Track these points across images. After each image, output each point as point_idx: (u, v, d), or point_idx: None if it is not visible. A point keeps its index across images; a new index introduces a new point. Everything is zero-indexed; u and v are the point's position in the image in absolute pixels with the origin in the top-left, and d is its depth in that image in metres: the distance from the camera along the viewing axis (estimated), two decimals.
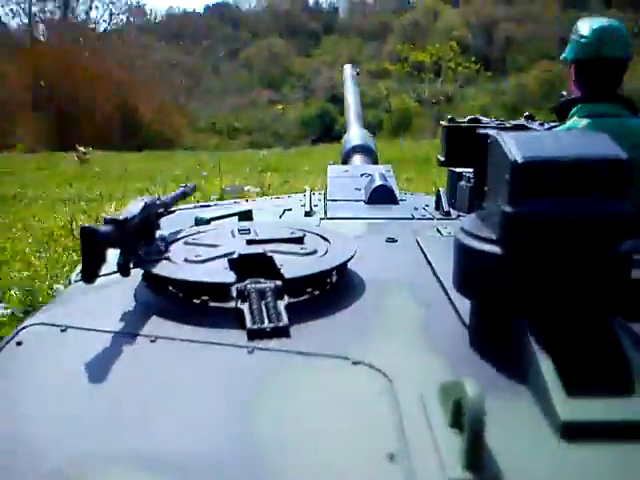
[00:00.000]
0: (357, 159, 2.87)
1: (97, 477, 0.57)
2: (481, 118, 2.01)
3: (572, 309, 0.71)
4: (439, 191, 1.85)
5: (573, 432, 0.60)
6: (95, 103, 30.25)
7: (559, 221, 0.69)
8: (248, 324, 0.81)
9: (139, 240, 0.99)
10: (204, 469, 0.57)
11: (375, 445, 0.60)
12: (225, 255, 0.99)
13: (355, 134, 3.15)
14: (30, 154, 20.59)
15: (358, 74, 3.84)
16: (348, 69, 3.88)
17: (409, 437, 0.60)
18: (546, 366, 0.65)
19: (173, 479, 0.56)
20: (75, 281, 1.12)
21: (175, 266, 0.96)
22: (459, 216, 1.68)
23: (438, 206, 1.80)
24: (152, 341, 0.80)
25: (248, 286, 0.88)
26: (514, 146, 0.71)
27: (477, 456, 0.55)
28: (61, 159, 18.10)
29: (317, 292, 0.96)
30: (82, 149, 17.18)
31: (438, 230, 1.39)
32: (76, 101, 30.47)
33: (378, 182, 1.88)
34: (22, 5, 34.48)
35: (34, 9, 34.34)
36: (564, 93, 2.56)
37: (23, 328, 0.88)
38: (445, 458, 0.57)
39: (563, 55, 2.48)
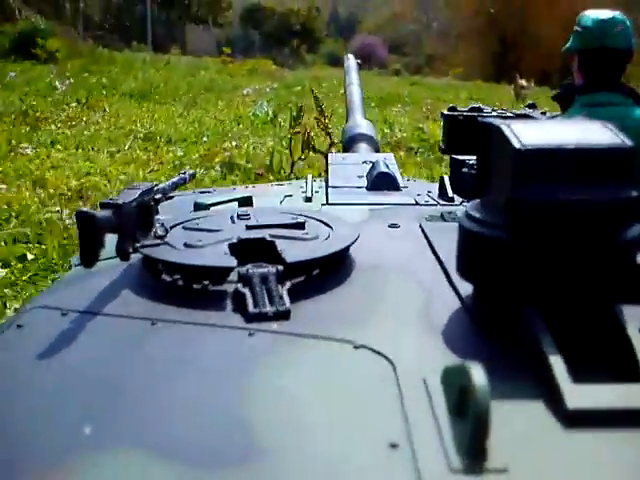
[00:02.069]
0: (359, 147, 2.63)
1: (97, 461, 0.54)
2: (482, 107, 1.84)
3: (577, 295, 0.68)
4: (442, 178, 1.70)
5: (580, 419, 0.56)
6: (540, 33, 25.69)
7: (563, 206, 0.65)
8: (250, 307, 0.78)
9: (138, 225, 0.94)
10: (203, 452, 0.55)
11: (377, 432, 0.56)
12: (225, 240, 0.93)
13: (357, 123, 2.89)
14: (462, 82, 20.16)
15: (360, 64, 3.63)
16: (351, 59, 3.64)
17: (412, 424, 0.56)
18: (551, 352, 0.61)
19: (173, 462, 0.53)
20: (75, 265, 1.06)
21: (175, 251, 0.91)
22: (463, 202, 1.56)
23: (441, 192, 1.68)
24: (152, 324, 0.77)
25: (250, 270, 0.83)
26: (517, 133, 0.68)
27: (481, 444, 0.51)
28: (494, 90, 17.37)
29: (319, 275, 0.91)
30: (523, 82, 15.26)
31: (442, 216, 1.30)
32: (522, 29, 26.65)
33: (380, 169, 1.75)
34: None
35: None
36: (567, 82, 2.49)
37: (24, 311, 0.86)
38: (448, 446, 0.53)
39: (566, 46, 2.41)
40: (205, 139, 8.28)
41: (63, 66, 13.98)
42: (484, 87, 19.17)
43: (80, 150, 7.24)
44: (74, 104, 9.96)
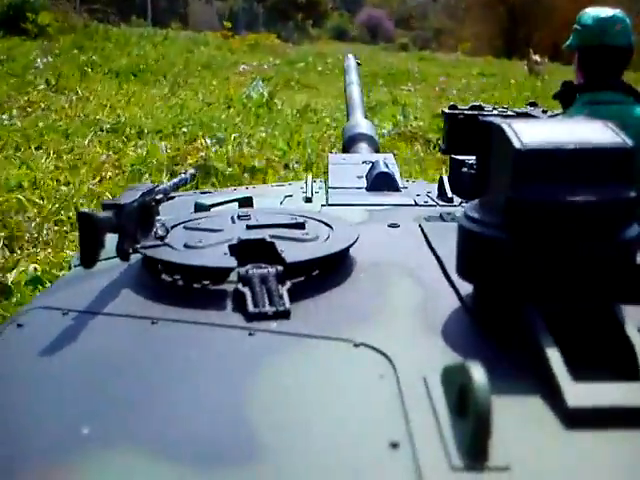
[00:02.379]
0: (359, 147, 2.57)
1: (98, 460, 0.53)
2: (483, 105, 1.79)
3: (576, 295, 0.66)
4: (442, 178, 1.67)
5: (580, 418, 0.55)
6: (552, 5, 24.78)
7: (563, 206, 0.64)
8: (250, 307, 0.77)
9: (138, 226, 0.92)
10: (204, 450, 0.54)
11: (378, 431, 0.55)
12: (226, 240, 0.91)
13: (357, 122, 2.81)
14: (472, 57, 19.32)
15: (359, 64, 3.58)
16: (351, 59, 3.60)
17: (412, 423, 0.55)
18: (551, 351, 0.60)
19: (173, 461, 0.52)
20: (75, 266, 1.05)
21: (175, 251, 0.90)
22: (462, 203, 1.53)
23: (441, 193, 1.64)
24: (153, 323, 0.76)
25: (250, 270, 0.82)
26: (517, 133, 0.66)
27: (482, 443, 0.50)
28: (507, 66, 16.52)
29: (319, 275, 0.89)
30: (536, 57, 14.79)
31: (441, 216, 1.27)
32: (532, 2, 25.74)
33: (379, 169, 1.72)
34: None
35: None
36: (567, 80, 2.42)
37: (24, 311, 0.84)
38: (449, 445, 0.52)
39: (567, 43, 2.41)
40: (185, 130, 6.87)
41: (55, 42, 13.14)
42: (495, 63, 18.34)
43: (21, 150, 5.62)
44: (42, 86, 8.58)
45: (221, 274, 0.85)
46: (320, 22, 35.98)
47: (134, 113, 7.59)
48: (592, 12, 2.33)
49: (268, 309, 0.75)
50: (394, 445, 0.53)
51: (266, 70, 12.91)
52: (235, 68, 12.75)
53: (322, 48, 20.04)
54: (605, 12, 2.31)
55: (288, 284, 0.80)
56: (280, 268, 0.82)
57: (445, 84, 11.87)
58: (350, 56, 3.66)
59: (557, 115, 2.10)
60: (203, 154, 5.67)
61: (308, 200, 1.56)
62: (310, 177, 1.78)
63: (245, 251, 0.88)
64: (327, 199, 1.55)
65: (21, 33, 13.30)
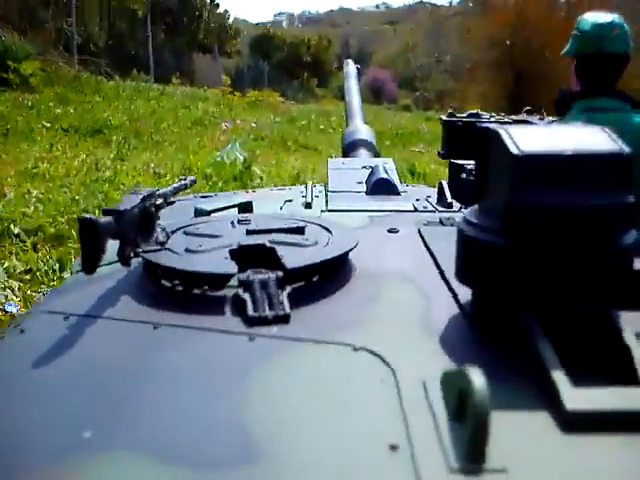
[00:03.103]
0: (359, 153, 2.42)
1: (98, 464, 0.52)
2: (481, 113, 1.71)
3: (574, 300, 0.64)
4: (441, 183, 1.56)
5: (578, 422, 0.54)
6: (557, 68, 23.51)
7: (561, 212, 0.62)
8: (250, 312, 0.73)
9: (139, 231, 0.88)
10: (203, 456, 0.52)
11: (376, 435, 0.54)
12: (226, 246, 0.88)
13: (357, 128, 2.66)
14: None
15: (359, 69, 3.40)
16: (351, 65, 3.40)
17: (411, 427, 0.54)
18: (549, 356, 0.59)
19: (173, 466, 0.51)
20: (76, 272, 0.98)
21: (176, 256, 0.86)
22: (461, 208, 1.42)
23: (440, 198, 1.53)
24: (154, 328, 0.73)
25: (250, 276, 0.79)
26: (515, 139, 0.64)
27: (481, 448, 0.49)
28: None
29: (319, 280, 0.86)
30: (549, 118, 13.85)
31: (440, 221, 1.21)
32: (538, 63, 24.63)
33: (379, 175, 1.64)
34: None
35: None
36: (564, 88, 2.42)
37: (26, 316, 0.84)
38: (448, 449, 0.51)
39: (564, 50, 2.35)
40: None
41: (36, 94, 11.78)
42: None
43: None
44: None
45: (221, 279, 0.82)
46: (325, 81, 35.14)
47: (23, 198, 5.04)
48: (590, 18, 2.27)
49: (268, 313, 0.73)
50: (393, 448, 0.52)
51: (262, 128, 11.41)
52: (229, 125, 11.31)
53: (326, 106, 18.71)
54: (603, 17, 2.25)
55: (288, 289, 0.78)
56: (280, 273, 0.79)
57: None
58: (349, 61, 3.49)
59: (554, 122, 1.98)
60: None
61: (308, 205, 1.48)
62: (310, 182, 1.72)
63: (245, 256, 0.86)
64: (327, 204, 1.49)
65: (2, 83, 11.92)
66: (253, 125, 11.32)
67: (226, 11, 34.83)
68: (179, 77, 19.73)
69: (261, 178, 6.67)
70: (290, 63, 32.89)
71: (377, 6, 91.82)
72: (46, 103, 10.71)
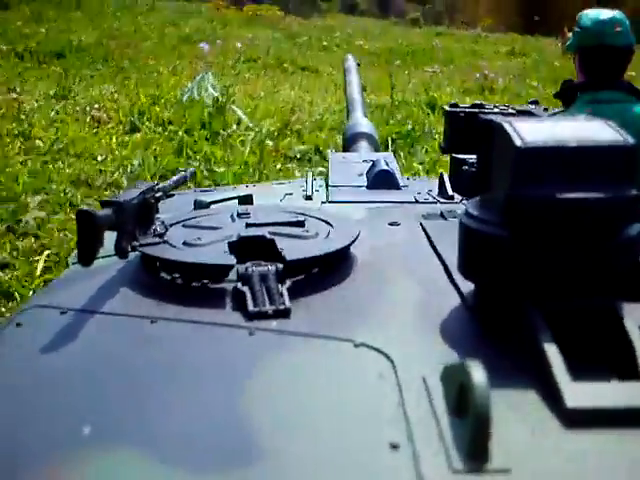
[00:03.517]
0: (360, 147, 2.31)
1: (96, 460, 0.51)
2: (484, 104, 1.60)
3: (577, 293, 0.63)
4: (442, 175, 1.52)
5: (579, 418, 0.53)
6: None
7: (563, 204, 0.61)
8: (249, 306, 0.72)
9: (138, 223, 0.86)
10: (203, 450, 0.52)
11: (377, 432, 0.53)
12: (225, 238, 0.86)
13: (358, 122, 2.54)
14: (493, 34, 16.54)
15: (359, 65, 3.28)
16: (351, 59, 3.28)
17: (412, 424, 0.53)
18: (551, 350, 0.58)
19: (172, 461, 0.50)
20: (73, 264, 0.96)
21: (174, 249, 0.84)
22: (462, 201, 1.36)
23: (441, 191, 1.49)
24: (152, 322, 0.71)
25: (249, 269, 0.77)
26: (518, 131, 0.63)
27: (482, 444, 0.49)
28: (535, 44, 14.38)
29: (319, 273, 0.84)
30: (570, 34, 12.31)
31: (442, 214, 1.17)
32: None
33: (380, 167, 1.58)
34: None
35: None
36: (568, 79, 2.37)
37: (22, 310, 0.81)
38: (449, 446, 0.50)
39: (567, 44, 2.36)
40: None
41: (10, 12, 10.42)
42: (520, 40, 15.40)
43: None
44: None
45: (220, 272, 0.80)
46: None
47: None
48: (591, 14, 2.25)
49: (268, 308, 0.71)
50: (394, 446, 0.51)
51: (257, 47, 10.07)
52: (225, 43, 9.96)
53: (330, 22, 17.09)
54: (604, 14, 2.23)
55: (288, 282, 0.76)
56: (280, 266, 0.77)
57: (486, 68, 8.97)
58: (350, 56, 3.41)
59: (558, 113, 1.91)
60: None
61: (308, 198, 1.44)
62: (310, 174, 1.66)
63: (245, 249, 0.83)
64: (327, 197, 1.45)
65: None
66: (239, 45, 9.75)
67: None
68: None
69: (239, 122, 5.08)
70: None
71: None
72: (15, 22, 9.39)
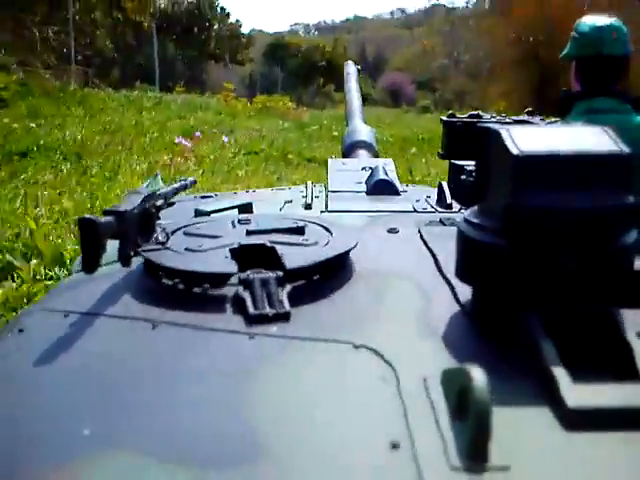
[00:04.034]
0: (359, 154, 2.25)
1: (99, 463, 0.50)
2: (482, 114, 1.63)
3: (575, 300, 0.63)
4: (441, 184, 1.50)
5: (580, 419, 0.52)
6: None
7: (561, 213, 0.61)
8: (250, 310, 0.71)
9: (139, 231, 0.85)
10: (205, 455, 0.51)
11: (377, 433, 0.52)
12: (226, 245, 0.85)
13: (356, 128, 2.48)
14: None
15: (359, 70, 3.17)
16: (351, 65, 3.16)
17: (412, 425, 0.53)
18: (550, 353, 0.58)
19: (174, 465, 0.50)
20: (76, 271, 0.95)
21: (176, 256, 0.83)
22: (461, 209, 1.37)
23: (440, 198, 1.46)
24: (154, 327, 0.70)
25: (250, 275, 0.76)
26: (515, 139, 0.63)
27: (482, 446, 0.48)
28: None
29: (319, 280, 0.82)
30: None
31: (441, 221, 1.16)
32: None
33: (379, 176, 1.57)
34: None
35: None
36: (565, 89, 2.34)
37: (24, 314, 0.80)
38: (449, 447, 0.50)
39: (564, 53, 2.28)
40: None
41: (11, 109, 9.76)
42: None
43: None
44: None
45: (221, 279, 0.79)
46: (342, 86, 33.01)
47: None
48: (589, 21, 2.21)
49: (268, 311, 0.71)
50: (394, 447, 0.50)
51: (260, 138, 9.16)
52: (231, 135, 9.11)
53: (341, 111, 16.52)
54: (602, 21, 2.18)
55: (288, 287, 0.75)
56: (280, 273, 0.77)
57: None
58: (350, 62, 3.27)
59: (555, 123, 1.89)
60: None
61: (308, 207, 1.42)
62: (310, 182, 1.63)
63: (245, 256, 0.82)
64: (327, 204, 1.42)
65: None
66: (225, 139, 8.77)
67: (237, 20, 32.78)
68: (183, 86, 17.59)
69: None
70: (305, 69, 30.80)
71: (392, 12, 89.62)
72: (7, 118, 8.64)
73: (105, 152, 6.89)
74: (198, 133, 7.06)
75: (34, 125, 8.29)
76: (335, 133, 11.15)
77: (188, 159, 6.50)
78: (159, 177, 3.48)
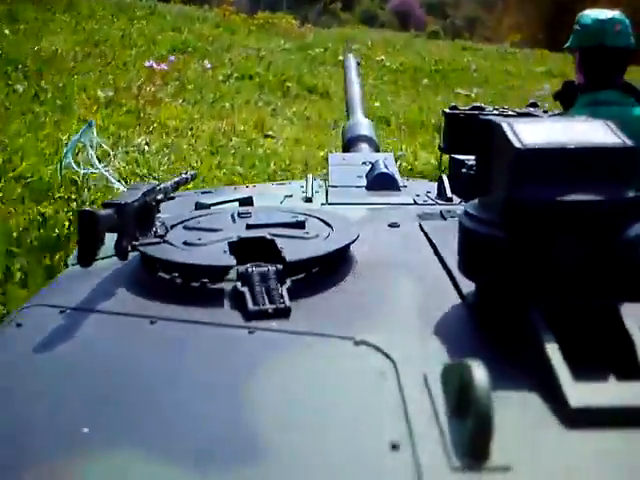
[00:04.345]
0: (360, 148, 2.24)
1: (96, 459, 0.50)
2: (484, 106, 1.64)
3: (577, 294, 0.62)
4: (441, 177, 1.49)
5: (582, 418, 0.52)
6: None
7: (562, 206, 0.60)
8: (249, 305, 0.70)
9: (138, 225, 0.84)
10: (203, 450, 0.51)
11: (377, 431, 0.52)
12: (225, 239, 0.84)
13: (358, 122, 2.45)
14: (521, 50, 14.80)
15: (359, 64, 3.28)
16: (351, 58, 3.20)
17: (412, 422, 0.52)
18: (553, 351, 0.57)
19: (172, 461, 0.49)
20: (72, 264, 0.94)
21: (175, 249, 0.82)
22: (461, 202, 1.36)
23: (440, 192, 1.46)
24: (152, 322, 0.70)
25: (249, 269, 0.75)
26: (517, 132, 0.62)
27: (483, 444, 0.48)
28: (569, 63, 12.22)
29: (319, 273, 0.81)
30: None
31: (441, 214, 1.16)
32: None
33: (379, 170, 1.55)
34: None
35: None
36: (568, 80, 2.32)
37: (22, 310, 0.78)
38: (450, 445, 0.49)
39: (567, 44, 2.26)
40: None
41: None
42: (552, 58, 13.57)
43: None
44: None
45: (220, 272, 0.78)
46: (350, 5, 31.18)
47: None
48: (591, 13, 2.20)
49: (268, 307, 0.70)
50: (394, 445, 0.50)
51: (261, 58, 8.26)
52: (227, 53, 8.20)
53: (348, 32, 15.32)
54: (604, 13, 2.17)
55: (288, 282, 0.74)
56: (280, 267, 0.75)
57: (530, 93, 7.11)
58: (350, 55, 3.31)
59: (558, 115, 1.95)
60: None
61: (308, 200, 1.40)
62: (310, 176, 1.59)
63: (245, 249, 0.81)
64: (327, 198, 1.41)
65: None
66: (226, 56, 7.82)
67: None
68: None
69: None
70: None
71: None
72: None
73: (75, 69, 5.99)
74: (172, 57, 6.00)
75: (8, 32, 7.38)
76: (341, 58, 10.23)
77: (163, 85, 5.58)
78: (94, 127, 2.67)
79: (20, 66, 5.70)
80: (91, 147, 1.99)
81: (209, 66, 6.46)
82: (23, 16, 8.90)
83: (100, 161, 2.16)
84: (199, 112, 5.07)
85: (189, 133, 4.15)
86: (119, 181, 2.27)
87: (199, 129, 4.27)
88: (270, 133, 5.08)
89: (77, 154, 2.41)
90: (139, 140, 3.61)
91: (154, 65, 5.71)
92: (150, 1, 13.75)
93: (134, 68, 6.03)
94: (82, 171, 2.23)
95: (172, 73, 6.05)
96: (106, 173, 2.11)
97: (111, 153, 2.53)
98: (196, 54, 8.16)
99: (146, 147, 3.49)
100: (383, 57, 10.88)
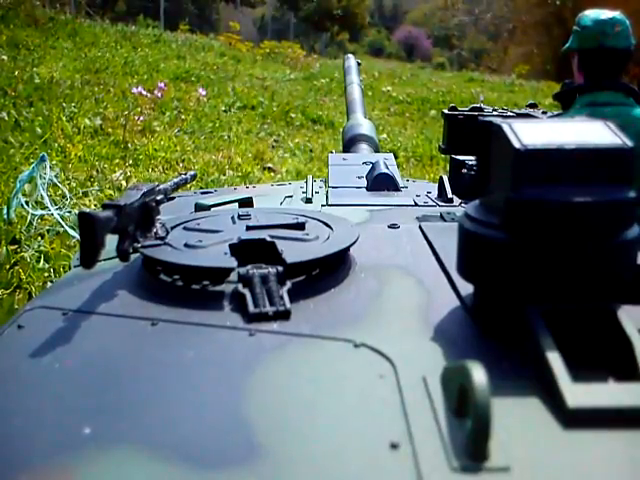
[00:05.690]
0: (359, 148, 2.22)
1: (98, 461, 0.50)
2: (483, 107, 1.57)
3: (576, 295, 0.61)
4: (442, 178, 1.47)
5: (581, 418, 0.52)
6: None
7: (563, 207, 0.59)
8: (250, 307, 0.69)
9: (139, 226, 0.83)
10: (203, 452, 0.50)
11: (377, 432, 0.52)
12: (226, 241, 0.83)
13: (357, 122, 2.41)
14: (528, 82, 14.58)
15: (359, 64, 3.09)
16: (351, 59, 3.10)
17: (412, 424, 0.52)
18: (551, 352, 0.56)
19: (173, 462, 0.49)
20: (74, 266, 0.93)
21: (175, 251, 0.81)
22: (462, 203, 1.35)
23: (440, 193, 1.45)
24: (153, 324, 0.69)
25: (250, 271, 0.73)
26: (517, 133, 0.61)
27: (482, 444, 0.47)
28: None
29: (319, 275, 0.80)
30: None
31: (441, 216, 1.15)
32: None
33: (380, 170, 1.54)
34: None
35: None
36: (567, 81, 2.30)
37: (24, 311, 0.76)
38: (449, 446, 0.49)
39: (566, 46, 2.23)
40: None
41: None
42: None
43: None
44: None
45: (221, 274, 0.77)
46: (357, 37, 31.25)
47: None
48: (591, 14, 2.16)
49: (269, 309, 0.69)
50: (394, 446, 0.49)
51: (265, 89, 7.96)
52: (230, 83, 7.90)
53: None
54: (604, 14, 2.14)
55: (288, 284, 0.72)
56: (280, 268, 0.74)
57: None
58: (350, 56, 3.18)
59: (557, 116, 1.90)
60: None
61: (308, 201, 1.39)
62: (310, 177, 1.59)
63: (245, 251, 0.80)
64: (327, 199, 1.39)
65: None
66: (228, 86, 7.42)
67: None
68: (189, 24, 16.06)
69: None
70: (319, 15, 28.96)
71: None
72: None
73: (68, 97, 5.66)
74: (162, 84, 5.60)
75: (5, 58, 7.12)
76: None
77: (152, 114, 5.23)
78: (47, 161, 2.33)
79: (10, 92, 5.42)
80: (42, 185, 1.64)
81: (204, 93, 6.14)
82: (25, 42, 8.71)
83: (55, 203, 1.79)
84: (195, 143, 4.74)
85: (180, 166, 3.83)
86: (73, 228, 1.89)
87: (191, 161, 3.93)
88: (270, 165, 4.77)
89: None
90: (117, 175, 3.25)
91: (142, 92, 5.38)
92: (156, 29, 13.63)
93: (132, 96, 5.74)
94: (31, 213, 1.86)
95: (168, 102, 5.74)
96: (58, 217, 1.75)
97: (68, 195, 2.09)
98: (198, 83, 7.89)
99: (124, 183, 3.12)
100: (390, 88, 10.64)
